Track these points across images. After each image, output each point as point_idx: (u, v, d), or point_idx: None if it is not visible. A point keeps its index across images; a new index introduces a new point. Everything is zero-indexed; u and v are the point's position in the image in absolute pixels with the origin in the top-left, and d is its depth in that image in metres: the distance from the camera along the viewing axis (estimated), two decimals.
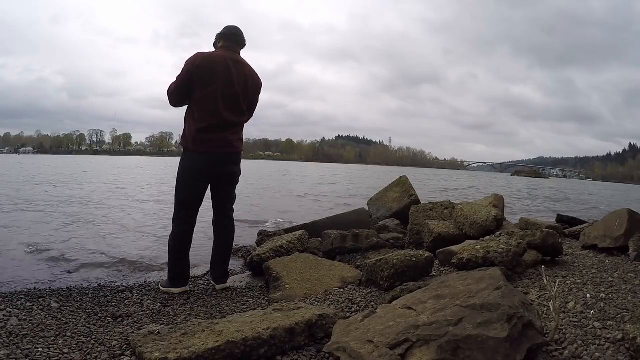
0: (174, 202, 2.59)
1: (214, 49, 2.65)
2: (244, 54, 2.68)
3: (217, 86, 2.44)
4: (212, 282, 2.72)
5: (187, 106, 2.56)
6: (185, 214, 2.55)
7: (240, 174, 2.72)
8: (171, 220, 2.58)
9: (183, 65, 2.45)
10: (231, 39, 2.59)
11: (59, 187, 10.17)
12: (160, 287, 2.60)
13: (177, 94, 2.50)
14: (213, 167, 2.52)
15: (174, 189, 2.58)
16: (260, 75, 2.70)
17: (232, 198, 2.74)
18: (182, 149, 2.60)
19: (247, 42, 2.66)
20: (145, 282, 2.85)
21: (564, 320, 1.67)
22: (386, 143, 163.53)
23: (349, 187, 15.77)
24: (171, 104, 2.57)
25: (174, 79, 2.49)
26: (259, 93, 2.73)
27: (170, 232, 2.56)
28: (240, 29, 2.64)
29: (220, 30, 2.64)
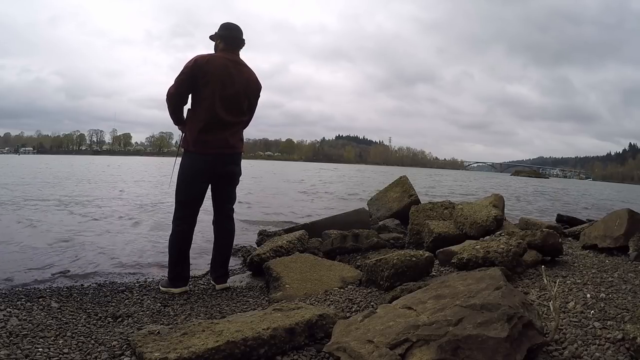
0: (174, 202, 2.59)
1: (213, 46, 2.64)
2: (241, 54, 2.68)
3: (217, 87, 2.45)
4: (212, 282, 2.72)
5: (188, 108, 2.56)
6: (185, 214, 2.55)
7: (240, 174, 2.72)
8: (171, 221, 2.59)
9: (182, 68, 2.45)
10: (231, 42, 2.59)
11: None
12: (160, 287, 2.60)
13: (178, 96, 2.49)
14: (214, 167, 2.53)
15: (175, 189, 2.58)
16: (257, 75, 2.70)
17: (232, 198, 2.74)
18: (182, 150, 2.61)
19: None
20: (145, 282, 2.85)
21: (564, 320, 1.67)
22: (386, 143, 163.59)
23: (349, 187, 15.77)
24: (170, 107, 2.54)
25: (173, 82, 2.47)
26: (258, 96, 2.73)
27: (170, 232, 2.56)
28: (240, 27, 2.63)
29: (218, 27, 2.62)
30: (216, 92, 2.45)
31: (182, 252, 2.56)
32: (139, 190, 10.76)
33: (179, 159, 2.60)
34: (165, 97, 2.51)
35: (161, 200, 8.19)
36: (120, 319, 2.09)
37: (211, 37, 2.66)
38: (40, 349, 1.64)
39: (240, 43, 2.62)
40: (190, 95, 2.52)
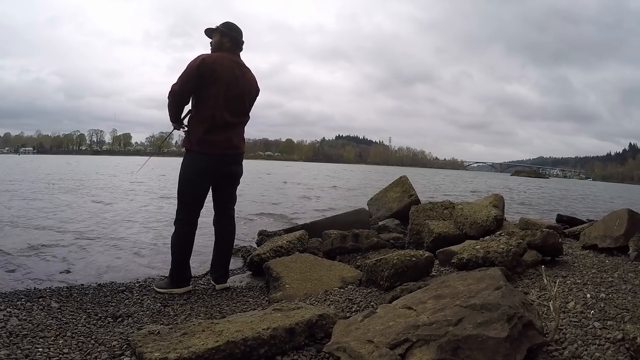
0: (177, 202, 2.58)
1: (211, 42, 2.61)
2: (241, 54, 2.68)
3: (222, 87, 2.44)
4: (212, 282, 2.72)
5: (191, 108, 2.54)
6: (188, 215, 2.55)
7: (242, 174, 2.73)
8: (173, 222, 2.58)
9: (186, 67, 2.43)
10: (235, 43, 2.59)
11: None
12: (156, 289, 2.58)
13: (182, 94, 2.46)
14: (216, 167, 2.53)
15: (177, 189, 2.58)
16: (255, 75, 2.70)
17: (233, 198, 2.75)
18: (183, 149, 2.60)
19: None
20: (145, 282, 2.85)
21: (564, 320, 1.67)
22: (386, 143, 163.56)
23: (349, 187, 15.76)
24: (172, 105, 2.50)
25: (176, 80, 2.44)
26: (256, 99, 2.74)
27: (173, 232, 2.56)
28: (239, 27, 2.63)
29: (221, 24, 2.60)
30: (222, 93, 2.44)
31: (185, 252, 2.55)
32: (138, 188, 10.76)
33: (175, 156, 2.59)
34: (168, 94, 2.47)
35: (163, 196, 8.20)
36: (120, 319, 2.09)
37: (209, 31, 2.62)
38: (40, 349, 1.64)
39: (240, 44, 2.63)
40: (192, 95, 2.51)
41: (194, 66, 2.41)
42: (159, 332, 1.61)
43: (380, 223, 4.73)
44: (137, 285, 2.75)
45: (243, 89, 2.54)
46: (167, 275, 2.66)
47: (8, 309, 2.09)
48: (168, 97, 2.49)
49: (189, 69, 2.42)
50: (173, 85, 2.46)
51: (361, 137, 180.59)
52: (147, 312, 2.22)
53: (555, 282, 1.98)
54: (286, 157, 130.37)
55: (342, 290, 2.44)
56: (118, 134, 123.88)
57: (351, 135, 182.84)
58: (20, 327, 1.86)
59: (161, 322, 2.07)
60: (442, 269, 2.72)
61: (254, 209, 7.51)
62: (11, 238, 4.16)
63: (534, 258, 2.57)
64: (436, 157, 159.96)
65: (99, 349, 1.67)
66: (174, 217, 2.59)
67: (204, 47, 2.64)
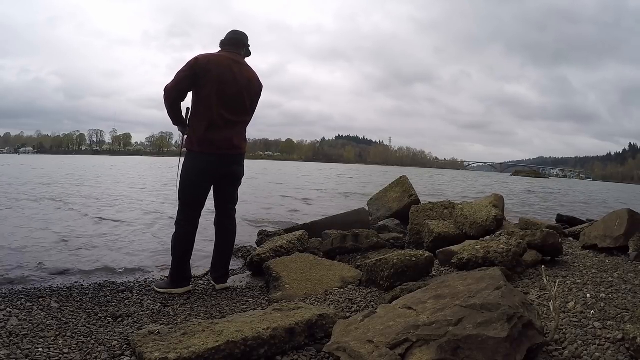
0: (178, 203, 2.59)
1: (214, 49, 2.65)
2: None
3: (220, 86, 2.44)
4: (212, 282, 2.72)
5: (191, 108, 2.55)
6: (189, 215, 2.55)
7: (243, 174, 2.72)
8: (174, 222, 2.59)
9: (183, 65, 2.44)
10: (231, 42, 2.60)
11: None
12: (156, 289, 2.59)
13: (176, 92, 2.46)
14: (217, 168, 2.53)
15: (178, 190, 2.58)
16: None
17: (234, 198, 2.74)
18: (184, 150, 2.60)
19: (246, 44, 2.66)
20: (145, 282, 2.85)
21: (564, 320, 1.67)
22: (386, 143, 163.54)
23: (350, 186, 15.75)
24: (167, 103, 2.50)
25: (172, 78, 2.45)
26: (259, 96, 2.74)
27: (174, 233, 2.56)
28: (243, 32, 2.64)
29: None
30: (219, 91, 2.45)
31: (185, 253, 2.56)
32: (140, 192, 10.76)
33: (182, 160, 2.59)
34: (163, 92, 2.47)
35: (163, 200, 8.19)
36: (120, 319, 2.09)
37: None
38: (40, 349, 1.64)
39: (240, 43, 2.62)
40: (191, 95, 2.51)
41: (189, 64, 2.43)
42: (159, 332, 1.61)
43: (380, 223, 4.73)
44: (137, 285, 2.75)
45: (241, 88, 2.53)
46: (167, 275, 2.67)
47: (8, 309, 2.09)
48: (163, 96, 2.50)
49: (184, 67, 2.43)
50: (167, 84, 2.47)
51: (361, 137, 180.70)
52: (147, 312, 2.22)
53: (555, 282, 1.97)
54: (286, 157, 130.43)
55: (342, 290, 2.44)
56: (118, 134, 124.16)
57: (351, 135, 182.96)
58: (20, 327, 1.86)
59: (161, 322, 2.07)
60: (442, 269, 2.72)
61: (254, 209, 7.51)
62: (10, 238, 4.16)
63: (534, 258, 2.57)
64: (436, 157, 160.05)
65: (99, 349, 1.67)
66: (175, 217, 2.59)
67: (203, 47, 2.68)
